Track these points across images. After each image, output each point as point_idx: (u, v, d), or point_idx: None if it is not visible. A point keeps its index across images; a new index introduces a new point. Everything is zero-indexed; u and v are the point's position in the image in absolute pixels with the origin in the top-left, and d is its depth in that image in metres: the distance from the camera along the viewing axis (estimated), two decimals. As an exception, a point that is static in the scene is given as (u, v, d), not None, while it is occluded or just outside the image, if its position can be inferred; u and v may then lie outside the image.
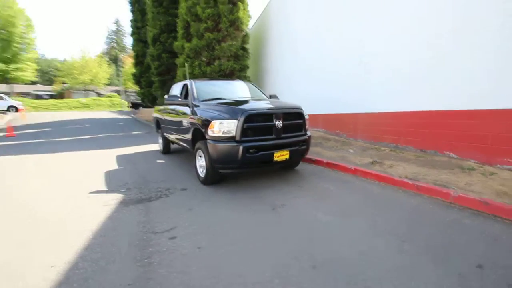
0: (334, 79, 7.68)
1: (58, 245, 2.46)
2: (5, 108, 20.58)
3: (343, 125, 7.38)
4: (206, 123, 3.88)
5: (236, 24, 12.14)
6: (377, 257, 2.16)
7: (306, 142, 4.29)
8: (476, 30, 4.29)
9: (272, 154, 3.83)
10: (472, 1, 4.37)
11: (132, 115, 22.20)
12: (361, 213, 3.00)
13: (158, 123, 7.48)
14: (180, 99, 4.77)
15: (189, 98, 4.78)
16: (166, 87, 15.65)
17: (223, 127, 3.69)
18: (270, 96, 5.54)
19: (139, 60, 17.89)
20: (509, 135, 3.91)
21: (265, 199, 3.52)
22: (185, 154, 7.06)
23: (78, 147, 8.30)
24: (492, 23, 4.09)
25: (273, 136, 3.91)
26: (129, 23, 18.99)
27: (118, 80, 43.66)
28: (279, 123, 3.91)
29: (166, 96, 6.26)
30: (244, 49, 12.77)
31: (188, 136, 4.70)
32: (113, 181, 4.56)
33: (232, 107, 3.84)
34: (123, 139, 10.59)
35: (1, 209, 3.38)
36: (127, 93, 39.89)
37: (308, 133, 4.42)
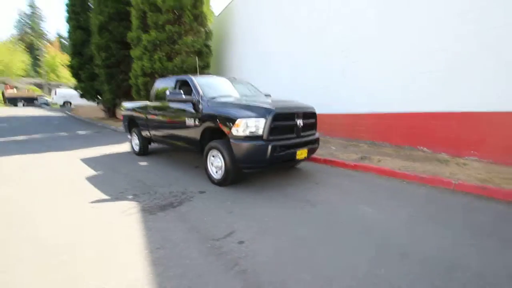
0: (310, 83, 8.11)
1: (116, 266, 2.07)
2: None
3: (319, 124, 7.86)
4: (229, 121, 3.70)
5: (200, 19, 11.72)
6: (440, 241, 2.45)
7: (317, 141, 4.48)
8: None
9: (295, 152, 3.90)
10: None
11: (66, 112, 19.25)
12: (389, 204, 3.30)
13: (132, 122, 6.76)
14: (180, 96, 4.40)
15: (194, 95, 4.46)
16: (115, 81, 14.10)
17: (250, 126, 3.59)
18: (266, 96, 5.56)
19: (77, 50, 15.60)
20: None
21: (295, 196, 3.56)
22: (167, 154, 6.56)
23: (23, 150, 6.91)
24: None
25: (295, 135, 3.98)
26: (64, 7, 16.39)
27: (37, 71, 37.19)
28: (300, 122, 4.00)
29: (153, 92, 5.72)
30: (207, 46, 12.40)
31: (194, 135, 4.40)
32: (108, 188, 3.98)
33: (259, 106, 3.76)
34: (72, 140, 9.21)
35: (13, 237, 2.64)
36: (51, 86, 34.28)
37: (316, 132, 4.62)
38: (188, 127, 4.50)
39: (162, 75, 11.72)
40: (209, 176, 4.18)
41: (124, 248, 2.31)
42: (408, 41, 5.65)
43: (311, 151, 4.24)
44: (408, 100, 5.73)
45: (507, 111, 4.32)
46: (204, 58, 12.27)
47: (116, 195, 3.67)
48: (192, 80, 4.73)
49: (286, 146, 3.78)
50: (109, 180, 4.46)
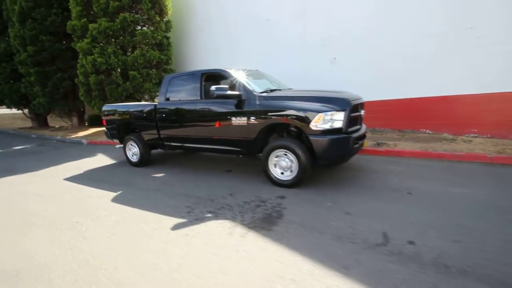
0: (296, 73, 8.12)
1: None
2: None
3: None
4: (306, 116, 3.39)
5: (158, 6, 10.50)
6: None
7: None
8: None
9: (363, 143, 3.86)
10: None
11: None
12: (464, 183, 3.55)
13: (124, 128, 5.68)
14: (228, 92, 3.81)
15: (241, 90, 3.94)
16: (52, 82, 11.50)
17: (332, 119, 3.36)
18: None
19: (-16, 43, 12.17)
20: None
21: (380, 187, 3.52)
22: (172, 161, 5.71)
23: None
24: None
25: (359, 126, 3.92)
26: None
27: None
28: (362, 112, 3.96)
29: (163, 92, 4.85)
30: (167, 38, 11.25)
31: (246, 135, 3.91)
32: (166, 209, 3.24)
33: (335, 97, 3.54)
34: (20, 158, 7.30)
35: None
36: None
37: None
38: (236, 126, 3.97)
39: (124, 72, 10.13)
40: (272, 179, 3.79)
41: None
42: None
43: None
44: (407, 87, 6.28)
45: (500, 92, 5.15)
46: (166, 51, 11.11)
47: (188, 216, 3.00)
48: (230, 73, 4.17)
49: (358, 138, 3.69)
50: (148, 199, 3.64)
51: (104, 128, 6.15)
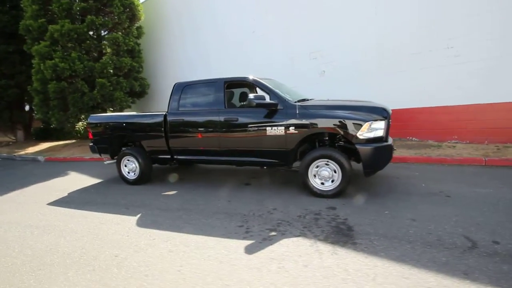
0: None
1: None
2: None
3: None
4: (352, 125, 3.39)
5: (130, 11, 9.83)
6: None
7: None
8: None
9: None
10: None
11: None
12: (482, 185, 3.87)
13: (118, 141, 5.02)
14: (265, 101, 3.62)
15: (276, 99, 3.77)
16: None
17: (376, 128, 3.43)
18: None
19: None
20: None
21: (415, 191, 3.68)
22: (180, 175, 5.19)
23: None
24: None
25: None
26: None
27: None
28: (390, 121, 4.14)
29: (175, 101, 4.40)
30: (137, 44, 10.55)
31: (283, 146, 3.75)
32: (214, 229, 2.87)
33: (375, 106, 3.61)
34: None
35: None
36: None
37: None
38: (272, 137, 3.78)
39: (90, 79, 9.01)
40: (313, 190, 3.67)
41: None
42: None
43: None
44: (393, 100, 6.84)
45: (478, 103, 5.94)
46: (137, 59, 10.37)
47: (250, 237, 2.70)
48: (260, 82, 3.99)
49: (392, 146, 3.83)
50: (181, 220, 3.20)
51: (90, 143, 5.30)
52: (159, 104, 11.37)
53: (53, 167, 7.41)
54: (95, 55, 9.76)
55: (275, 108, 3.76)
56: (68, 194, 4.70)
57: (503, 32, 5.54)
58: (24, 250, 2.73)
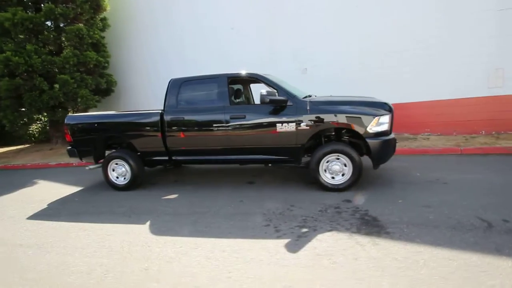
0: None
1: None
2: None
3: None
4: (363, 120, 3.51)
5: (94, 0, 8.97)
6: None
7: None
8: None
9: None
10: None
11: None
12: (470, 171, 4.23)
13: (103, 144, 4.58)
14: (276, 97, 3.55)
15: (285, 96, 3.74)
16: None
17: (383, 122, 3.60)
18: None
19: None
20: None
21: (413, 180, 3.95)
22: (172, 177, 4.92)
23: None
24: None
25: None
26: None
27: None
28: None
29: (172, 98, 4.10)
30: (102, 37, 9.74)
31: (293, 142, 3.74)
32: (240, 230, 2.77)
33: (380, 101, 3.76)
34: None
35: None
36: None
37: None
38: (282, 133, 3.74)
39: (50, 76, 8.01)
40: (324, 185, 3.72)
41: None
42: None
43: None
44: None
45: (446, 99, 6.58)
46: (103, 54, 9.57)
47: (284, 236, 2.65)
48: (267, 78, 3.92)
49: (394, 139, 4.05)
50: (200, 224, 3.04)
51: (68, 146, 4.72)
52: (127, 103, 10.58)
53: (12, 176, 6.47)
54: (51, 48, 8.73)
55: (285, 104, 3.73)
56: (48, 205, 4.13)
57: (473, 35, 6.20)
58: (26, 273, 2.33)
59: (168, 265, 2.26)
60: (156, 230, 2.98)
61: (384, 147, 3.60)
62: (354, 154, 3.58)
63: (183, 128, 4.11)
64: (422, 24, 6.56)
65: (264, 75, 3.96)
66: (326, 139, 4.03)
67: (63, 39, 8.48)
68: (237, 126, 3.91)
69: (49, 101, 8.00)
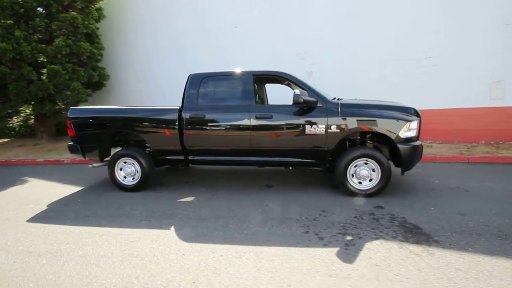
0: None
1: None
2: None
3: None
4: (396, 124, 3.46)
5: (89, -11, 8.50)
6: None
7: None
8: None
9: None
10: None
11: None
12: (485, 180, 4.30)
13: (110, 141, 4.26)
14: (308, 98, 3.41)
15: (316, 97, 3.60)
16: None
17: (413, 128, 3.57)
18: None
19: None
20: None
21: (435, 187, 3.95)
22: (180, 178, 4.66)
23: None
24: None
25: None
26: None
27: None
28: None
29: (192, 94, 3.86)
30: (97, 28, 9.24)
31: (325, 145, 3.61)
32: (277, 237, 2.59)
33: (408, 106, 3.71)
34: None
35: None
36: None
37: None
38: (311, 136, 3.61)
39: (39, 65, 7.41)
40: (351, 190, 3.62)
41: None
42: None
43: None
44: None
45: (449, 108, 6.76)
46: (97, 45, 9.08)
47: (330, 244, 2.50)
48: (295, 77, 3.78)
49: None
50: (232, 230, 2.82)
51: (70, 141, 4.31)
52: (119, 98, 10.07)
53: (-5, 172, 5.86)
54: (41, 36, 8.10)
55: (315, 105, 3.60)
56: (48, 206, 3.73)
57: (477, 48, 6.41)
58: (48, 287, 2.01)
59: (217, 277, 2.03)
60: (185, 236, 2.73)
61: (414, 153, 3.57)
62: (384, 159, 3.52)
63: (203, 127, 3.87)
64: (428, 35, 6.72)
65: (292, 75, 3.81)
66: (350, 143, 3.96)
67: (54, 27, 7.89)
68: (263, 126, 3.73)
69: (37, 93, 7.40)
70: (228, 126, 3.82)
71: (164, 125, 3.97)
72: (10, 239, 2.80)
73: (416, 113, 3.70)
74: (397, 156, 3.58)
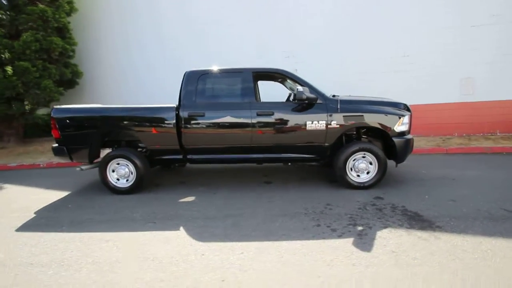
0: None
1: None
2: None
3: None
4: (390, 119, 3.65)
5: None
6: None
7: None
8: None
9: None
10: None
11: None
12: (469, 169, 4.62)
13: (99, 142, 4.04)
14: (309, 94, 3.46)
15: (316, 94, 3.68)
16: None
17: (406, 122, 3.78)
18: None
19: None
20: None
21: (423, 177, 4.23)
22: (174, 177, 4.55)
23: None
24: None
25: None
26: None
27: None
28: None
29: (190, 92, 3.75)
30: (68, 23, 8.70)
31: (325, 141, 3.72)
32: (288, 231, 2.64)
33: (399, 102, 3.92)
34: None
35: None
36: None
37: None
38: (311, 131, 3.69)
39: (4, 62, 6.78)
40: (350, 183, 3.77)
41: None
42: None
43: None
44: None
45: (425, 103, 7.24)
46: (69, 40, 8.54)
47: (345, 235, 2.59)
48: (295, 75, 3.84)
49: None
50: (243, 228, 2.83)
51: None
52: (93, 97, 9.49)
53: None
54: (4, 31, 7.40)
55: (315, 102, 3.68)
56: (36, 214, 3.45)
57: (449, 46, 6.91)
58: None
59: (245, 274, 2.02)
60: (198, 236, 2.67)
61: (407, 146, 3.78)
62: (381, 153, 3.69)
63: (203, 125, 3.80)
64: (403, 35, 7.13)
65: (291, 72, 3.86)
66: (346, 139, 4.10)
67: (21, 20, 7.24)
68: (264, 123, 3.74)
69: (4, 92, 6.77)
70: (229, 124, 3.78)
71: (160, 124, 3.84)
72: (2, 251, 2.55)
73: (407, 108, 3.93)
74: (392, 149, 3.77)
